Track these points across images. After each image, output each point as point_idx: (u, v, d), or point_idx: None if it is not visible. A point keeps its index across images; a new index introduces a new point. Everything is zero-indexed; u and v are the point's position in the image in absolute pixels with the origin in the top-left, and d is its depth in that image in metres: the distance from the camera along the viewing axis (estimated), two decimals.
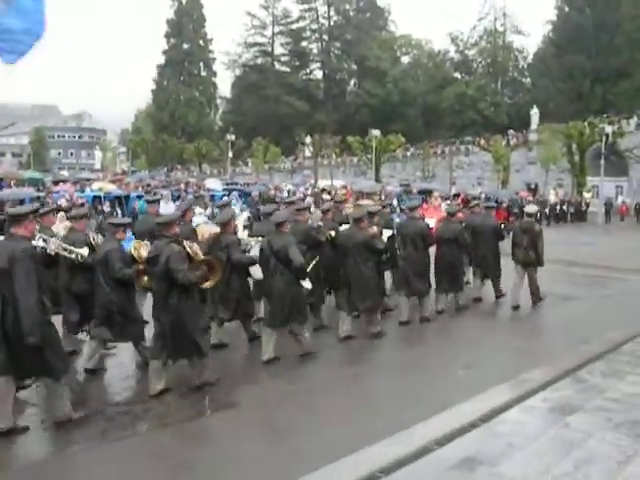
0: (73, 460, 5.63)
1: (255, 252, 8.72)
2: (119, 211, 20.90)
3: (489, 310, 12.02)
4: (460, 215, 13.06)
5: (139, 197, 21.43)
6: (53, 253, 7.38)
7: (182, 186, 25.84)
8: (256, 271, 8.74)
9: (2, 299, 5.82)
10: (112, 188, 24.79)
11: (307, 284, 8.53)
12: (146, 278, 7.61)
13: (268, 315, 8.40)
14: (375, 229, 9.60)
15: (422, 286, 10.64)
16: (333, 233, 10.06)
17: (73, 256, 7.67)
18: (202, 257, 7.31)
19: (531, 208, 14.20)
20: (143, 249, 7.81)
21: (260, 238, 8.92)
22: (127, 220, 8.47)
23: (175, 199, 21.40)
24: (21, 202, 18.83)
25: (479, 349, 9.29)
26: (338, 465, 5.14)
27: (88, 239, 8.12)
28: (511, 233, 12.98)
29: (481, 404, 6.52)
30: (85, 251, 7.79)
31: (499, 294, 12.84)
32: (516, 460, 4.90)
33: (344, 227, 10.29)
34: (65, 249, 7.64)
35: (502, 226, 13.95)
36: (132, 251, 7.87)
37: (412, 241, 10.56)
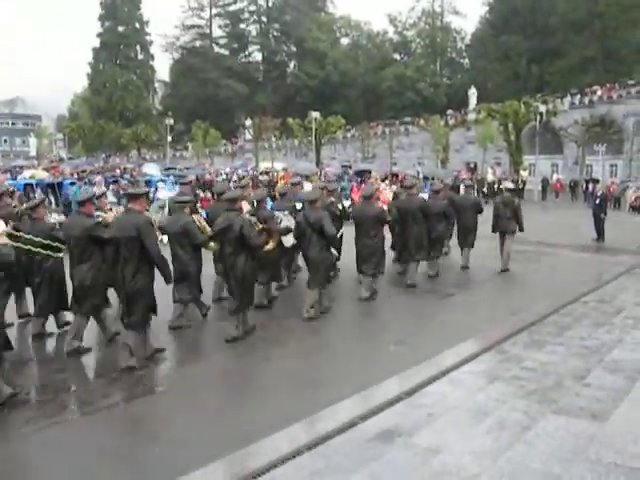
0: None
1: (284, 224, 9.95)
2: (52, 198, 20.38)
3: (429, 287, 12.20)
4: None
5: (72, 184, 20.95)
6: None
7: (117, 172, 25.37)
8: (288, 239, 9.98)
9: (124, 260, 7.33)
10: (45, 175, 24.13)
11: (335, 251, 10.23)
12: (212, 244, 9.17)
13: (310, 278, 9.79)
14: (381, 204, 11.44)
15: (421, 254, 12.13)
16: (340, 207, 11.73)
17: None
18: (262, 226, 8.96)
19: (509, 184, 16.58)
20: (202, 221, 9.47)
21: (287, 212, 10.40)
22: (190, 198, 10.15)
23: (109, 185, 21.01)
24: None
25: (412, 325, 9.49)
26: (262, 443, 5.18)
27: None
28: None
29: (408, 378, 6.64)
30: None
31: (466, 265, 14.05)
32: (432, 430, 5.03)
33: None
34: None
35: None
36: (197, 223, 9.26)
37: (413, 215, 11.99)
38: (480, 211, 14.29)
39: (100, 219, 8.38)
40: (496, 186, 39.28)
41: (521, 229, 14.15)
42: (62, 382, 7.14)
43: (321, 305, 9.82)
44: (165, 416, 6.22)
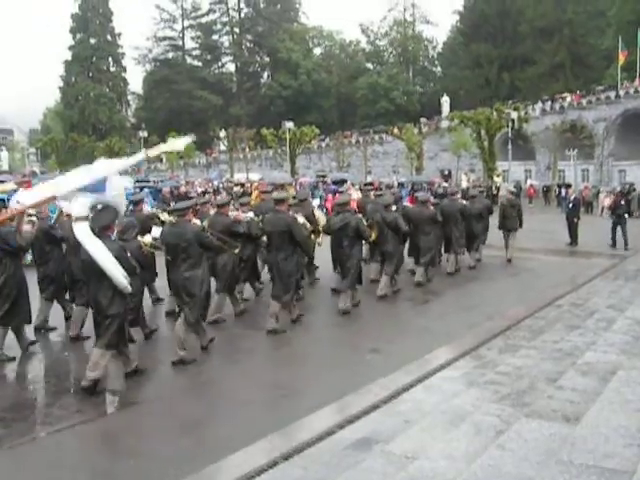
0: None
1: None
2: None
3: (405, 294, 12.23)
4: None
5: None
6: None
7: None
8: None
9: (276, 248, 9.41)
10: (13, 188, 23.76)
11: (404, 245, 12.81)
12: (313, 237, 11.27)
13: (385, 267, 11.98)
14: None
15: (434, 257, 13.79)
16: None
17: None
18: (368, 222, 11.37)
19: (512, 188, 20.39)
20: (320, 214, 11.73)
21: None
22: (248, 199, 12.59)
23: None
24: None
25: (389, 332, 9.49)
26: (238, 455, 5.18)
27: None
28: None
29: (385, 386, 6.66)
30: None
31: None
32: (409, 436, 5.05)
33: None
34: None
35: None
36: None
37: (427, 223, 13.40)
38: (491, 212, 16.09)
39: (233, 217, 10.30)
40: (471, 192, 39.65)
41: (521, 225, 16.46)
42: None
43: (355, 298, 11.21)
44: (140, 429, 6.18)
